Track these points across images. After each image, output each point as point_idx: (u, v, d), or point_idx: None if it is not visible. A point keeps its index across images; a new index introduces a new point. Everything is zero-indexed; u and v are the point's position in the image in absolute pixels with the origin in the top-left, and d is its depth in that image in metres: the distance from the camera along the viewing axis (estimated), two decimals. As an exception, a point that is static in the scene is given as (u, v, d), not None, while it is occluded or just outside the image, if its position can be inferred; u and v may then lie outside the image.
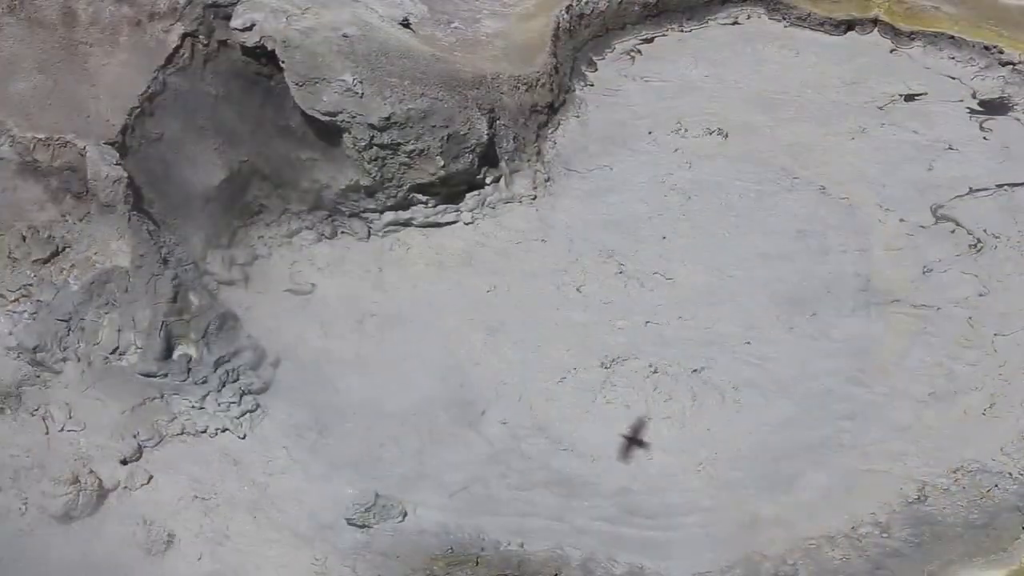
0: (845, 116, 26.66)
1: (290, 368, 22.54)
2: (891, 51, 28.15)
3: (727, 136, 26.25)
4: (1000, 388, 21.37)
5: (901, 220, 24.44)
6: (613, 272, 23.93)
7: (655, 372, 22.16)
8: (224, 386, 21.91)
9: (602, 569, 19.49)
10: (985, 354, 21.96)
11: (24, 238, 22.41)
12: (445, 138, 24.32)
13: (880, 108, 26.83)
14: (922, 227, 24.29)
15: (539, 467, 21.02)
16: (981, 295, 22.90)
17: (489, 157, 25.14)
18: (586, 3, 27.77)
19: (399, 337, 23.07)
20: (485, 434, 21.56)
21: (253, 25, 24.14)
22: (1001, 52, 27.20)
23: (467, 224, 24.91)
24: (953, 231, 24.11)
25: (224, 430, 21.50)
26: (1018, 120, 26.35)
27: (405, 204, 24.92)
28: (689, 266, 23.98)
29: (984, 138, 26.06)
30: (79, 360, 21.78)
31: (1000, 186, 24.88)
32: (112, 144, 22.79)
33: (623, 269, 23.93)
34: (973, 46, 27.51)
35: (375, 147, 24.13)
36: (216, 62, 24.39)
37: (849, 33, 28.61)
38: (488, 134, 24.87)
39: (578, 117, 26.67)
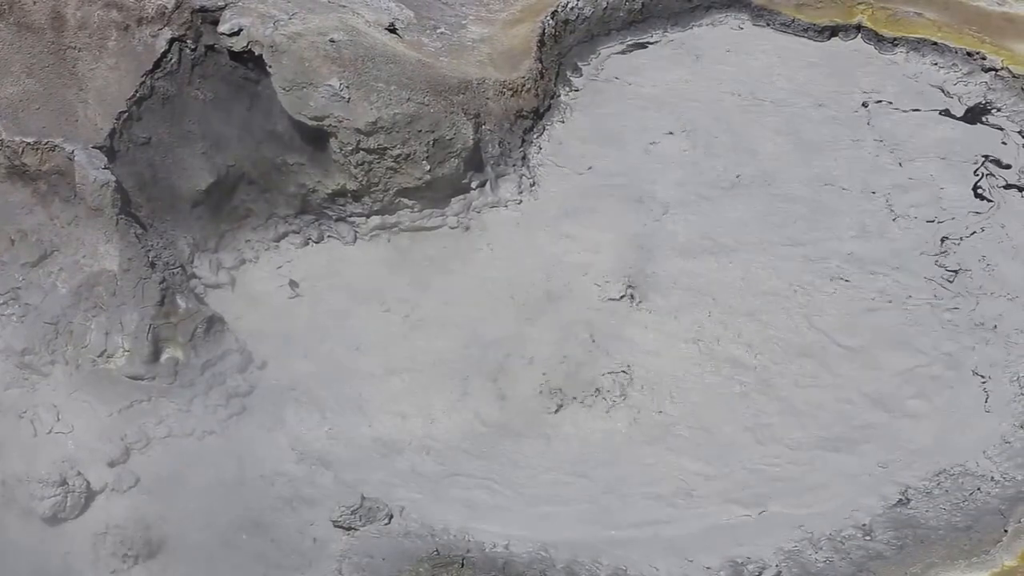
0: (829, 121, 26.79)
1: (276, 372, 22.61)
2: (874, 57, 28.29)
3: (711, 141, 26.36)
4: (985, 389, 21.67)
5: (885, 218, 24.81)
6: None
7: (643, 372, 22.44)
8: (211, 389, 21.97)
9: (587, 571, 19.58)
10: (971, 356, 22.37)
11: (12, 241, 22.46)
12: (431, 143, 24.41)
13: (864, 113, 26.97)
14: (907, 228, 24.57)
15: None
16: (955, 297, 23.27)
17: (475, 162, 25.24)
18: (571, 9, 27.85)
19: (387, 339, 23.17)
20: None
21: (240, 30, 24.20)
22: (984, 58, 27.32)
23: (453, 228, 25.00)
24: (941, 238, 24.42)
25: (211, 433, 21.56)
26: (999, 125, 26.57)
27: (391, 208, 25.00)
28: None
29: (966, 142, 26.31)
30: (67, 363, 21.83)
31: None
32: (100, 148, 22.83)
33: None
34: (956, 52, 27.61)
35: (361, 151, 24.21)
36: (204, 67, 24.42)
37: (833, 39, 28.69)
38: (474, 139, 24.97)
39: (563, 122, 26.74)
